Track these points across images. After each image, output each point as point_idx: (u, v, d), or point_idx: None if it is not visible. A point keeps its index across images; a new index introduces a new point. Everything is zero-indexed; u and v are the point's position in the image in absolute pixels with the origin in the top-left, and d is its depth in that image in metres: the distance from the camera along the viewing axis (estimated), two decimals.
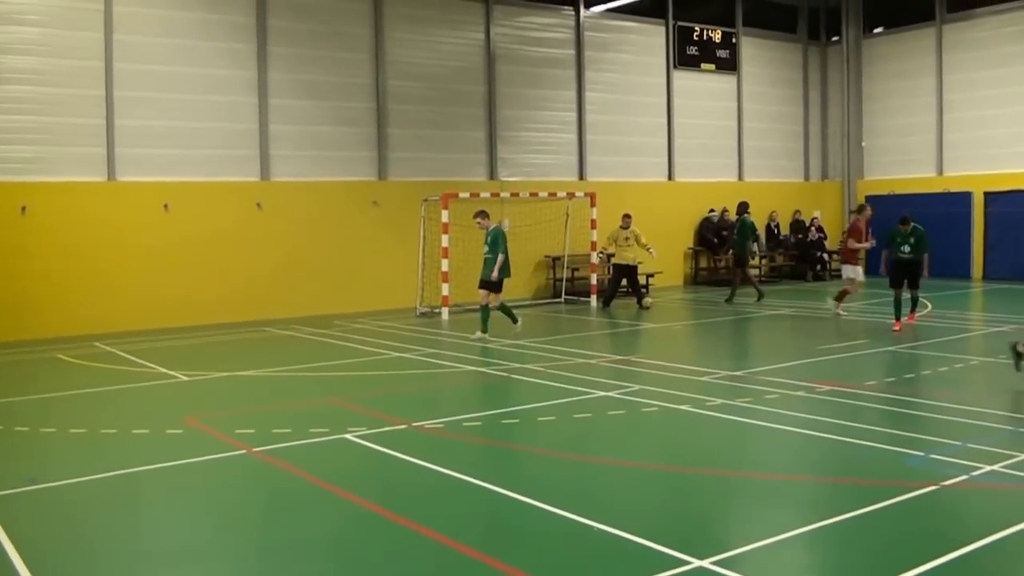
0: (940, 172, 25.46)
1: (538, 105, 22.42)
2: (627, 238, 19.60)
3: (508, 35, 21.90)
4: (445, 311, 18.36)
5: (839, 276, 25.25)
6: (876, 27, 27.31)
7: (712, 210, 24.91)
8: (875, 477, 7.18)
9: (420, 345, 14.69)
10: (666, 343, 15.68)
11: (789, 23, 27.61)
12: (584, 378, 11.38)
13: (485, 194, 19.76)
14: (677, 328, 17.19)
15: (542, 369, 12.10)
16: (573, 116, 22.99)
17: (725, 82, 25.90)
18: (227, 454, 8.23)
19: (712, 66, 25.49)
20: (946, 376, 11.39)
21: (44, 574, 5.55)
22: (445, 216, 18.18)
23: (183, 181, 17.77)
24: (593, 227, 20.52)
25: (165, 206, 17.50)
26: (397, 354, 13.80)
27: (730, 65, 25.87)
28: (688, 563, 5.36)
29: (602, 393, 10.44)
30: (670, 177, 24.74)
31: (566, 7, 22.88)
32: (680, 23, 24.75)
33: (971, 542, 5.64)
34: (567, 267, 21.69)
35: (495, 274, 15.06)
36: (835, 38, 27.86)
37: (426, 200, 19.20)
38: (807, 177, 28.00)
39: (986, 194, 24.28)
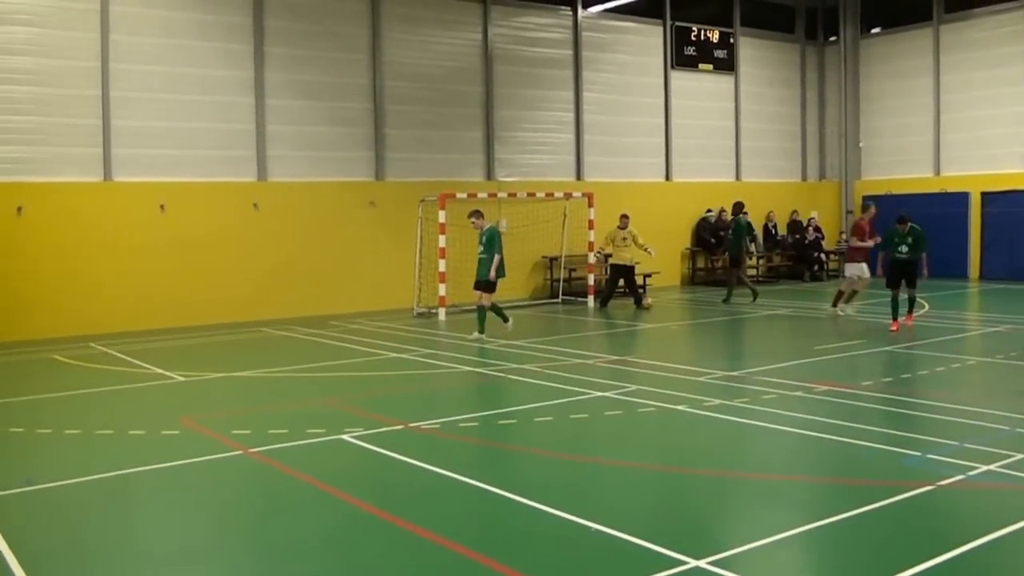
0: (937, 172, 25.49)
1: (535, 105, 22.41)
2: (624, 238, 19.59)
3: (505, 35, 21.89)
4: (442, 311, 18.34)
5: (836, 276, 25.42)
6: (873, 27, 27.33)
7: (709, 210, 24.90)
8: (872, 477, 7.18)
9: (417, 345, 14.67)
10: (663, 343, 15.67)
11: (787, 23, 27.62)
12: (581, 378, 11.37)
13: (482, 194, 19.75)
14: (674, 328, 17.18)
15: (539, 369, 12.09)
16: (571, 116, 22.98)
17: (723, 82, 25.90)
18: (223, 455, 8.20)
19: (710, 66, 25.50)
20: (943, 376, 11.39)
21: None
22: (442, 216, 18.15)
23: (179, 181, 17.74)
24: (590, 227, 20.50)
25: (161, 207, 17.47)
26: (394, 355, 13.79)
27: (728, 65, 25.87)
28: (685, 563, 5.36)
29: (599, 393, 10.43)
30: (667, 177, 24.74)
31: (563, 7, 22.88)
32: (678, 23, 24.75)
33: (967, 542, 5.64)
34: (564, 267, 21.68)
35: (492, 274, 15.04)
36: (832, 38, 27.89)
37: (423, 200, 19.20)
38: (804, 177, 28.01)
39: (983, 194, 24.32)
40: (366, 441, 8.49)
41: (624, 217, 19.76)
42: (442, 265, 18.24)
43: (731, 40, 25.95)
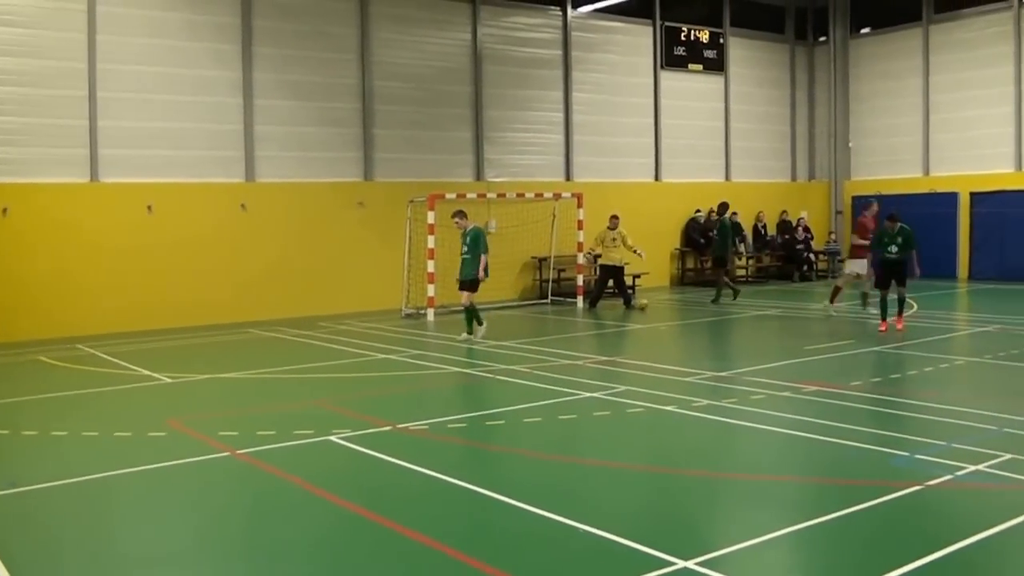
0: (926, 172, 25.56)
1: (525, 106, 22.39)
2: (614, 239, 19.60)
3: (495, 35, 21.86)
4: (431, 312, 18.30)
5: (825, 277, 25.48)
6: (863, 28, 27.40)
7: (699, 210, 24.92)
8: (860, 477, 7.18)
9: (405, 346, 14.63)
10: (652, 344, 15.67)
11: (776, 23, 27.67)
12: (570, 379, 11.35)
13: (472, 195, 19.73)
14: (663, 329, 17.17)
15: (528, 370, 12.07)
16: (560, 117, 22.97)
17: (712, 82, 25.92)
18: (210, 456, 8.15)
19: (699, 66, 25.52)
20: (931, 376, 11.41)
21: None
22: (431, 217, 18.12)
23: (167, 182, 17.66)
24: (580, 228, 20.51)
25: (149, 207, 17.39)
26: (383, 356, 13.75)
27: (717, 65, 25.90)
28: (673, 564, 5.34)
29: (588, 394, 10.41)
30: (657, 178, 24.75)
31: (553, 7, 22.87)
32: (667, 23, 24.77)
33: (955, 542, 5.64)
34: (553, 268, 21.67)
35: (481, 274, 14.99)
36: (822, 39, 27.94)
37: (412, 201, 19.16)
38: (794, 177, 28.06)
39: (972, 194, 24.39)
40: (354, 442, 8.45)
41: (614, 218, 19.76)
42: (431, 266, 18.20)
43: (721, 40, 25.97)
